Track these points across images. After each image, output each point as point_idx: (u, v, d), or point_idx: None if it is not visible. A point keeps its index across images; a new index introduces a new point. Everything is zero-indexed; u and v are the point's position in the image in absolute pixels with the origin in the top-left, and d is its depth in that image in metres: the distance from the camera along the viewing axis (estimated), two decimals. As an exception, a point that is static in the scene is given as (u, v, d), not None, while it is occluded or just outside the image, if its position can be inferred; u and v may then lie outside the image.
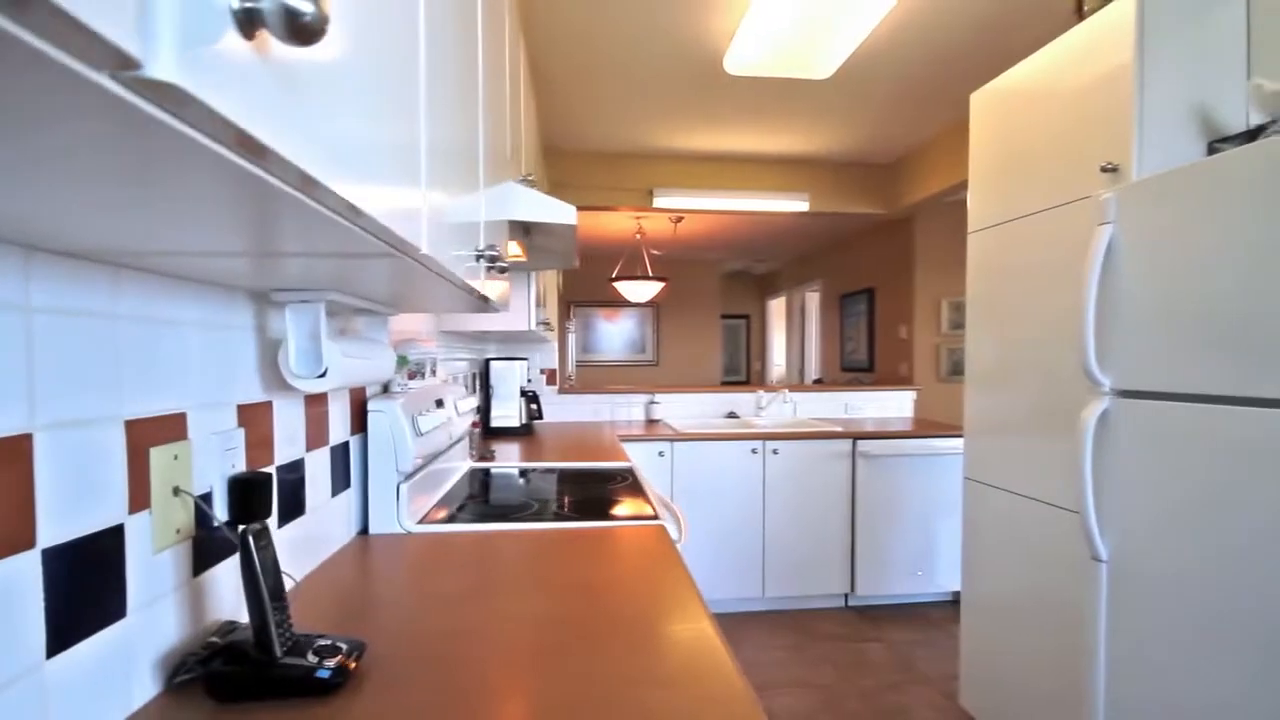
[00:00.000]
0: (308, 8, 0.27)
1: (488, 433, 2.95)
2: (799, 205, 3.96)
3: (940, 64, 2.86)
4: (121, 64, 0.22)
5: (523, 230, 1.77)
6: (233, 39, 0.27)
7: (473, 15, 0.93)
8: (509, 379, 2.94)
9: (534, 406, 3.05)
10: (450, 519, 1.38)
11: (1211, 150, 1.47)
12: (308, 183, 0.36)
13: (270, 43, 0.29)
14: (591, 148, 3.92)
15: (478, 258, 0.88)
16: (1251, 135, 1.42)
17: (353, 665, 0.70)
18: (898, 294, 5.15)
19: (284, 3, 0.26)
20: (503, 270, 0.98)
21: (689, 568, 2.97)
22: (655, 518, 1.40)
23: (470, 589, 0.99)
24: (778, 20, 2.36)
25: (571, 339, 3.96)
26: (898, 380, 5.07)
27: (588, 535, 1.27)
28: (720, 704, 0.66)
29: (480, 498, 1.64)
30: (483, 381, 2.98)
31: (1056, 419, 1.68)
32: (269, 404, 0.93)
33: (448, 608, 0.91)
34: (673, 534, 1.35)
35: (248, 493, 0.79)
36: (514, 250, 1.73)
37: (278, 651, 0.67)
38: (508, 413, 2.94)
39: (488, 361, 2.95)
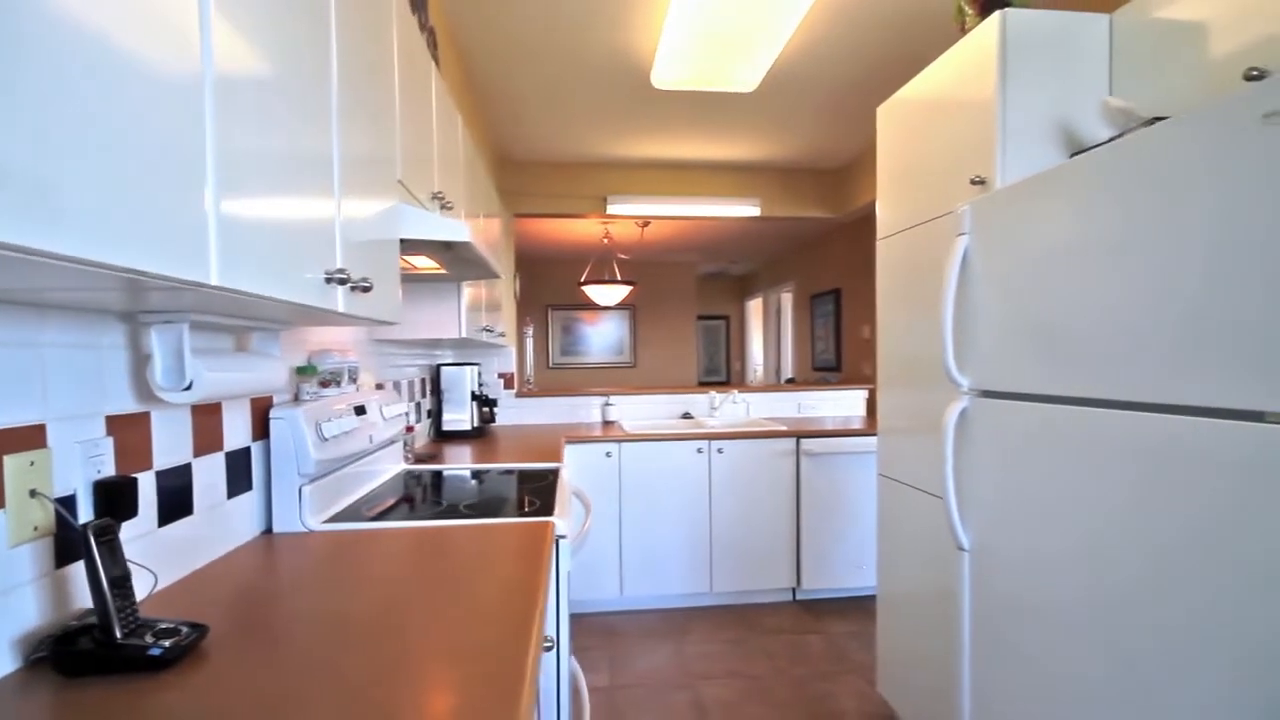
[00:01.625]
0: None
1: (440, 435, 3.05)
2: (750, 210, 4.07)
3: (860, 77, 2.97)
4: None
5: (444, 246, 1.86)
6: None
7: (322, 29, 1.01)
8: (459, 384, 3.04)
9: (486, 410, 3.15)
10: (353, 518, 1.48)
11: (1071, 163, 1.57)
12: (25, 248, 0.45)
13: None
14: (543, 157, 4.02)
15: (328, 279, 0.98)
16: (1104, 149, 1.52)
17: (187, 645, 0.80)
18: (862, 295, 5.26)
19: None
20: (366, 289, 1.07)
21: (632, 562, 3.08)
22: (547, 515, 1.50)
23: (335, 580, 1.08)
24: (691, 38, 2.46)
25: (530, 343, 4.05)
26: (862, 379, 5.17)
27: (474, 531, 1.37)
28: (493, 678, 0.75)
29: (399, 497, 1.74)
30: (434, 386, 3.08)
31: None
32: (146, 414, 1.02)
33: (306, 597, 1.01)
34: (562, 530, 1.45)
35: (111, 495, 0.89)
36: (429, 264, 1.83)
37: (117, 633, 0.77)
38: (459, 416, 3.04)
39: (438, 367, 3.05)
